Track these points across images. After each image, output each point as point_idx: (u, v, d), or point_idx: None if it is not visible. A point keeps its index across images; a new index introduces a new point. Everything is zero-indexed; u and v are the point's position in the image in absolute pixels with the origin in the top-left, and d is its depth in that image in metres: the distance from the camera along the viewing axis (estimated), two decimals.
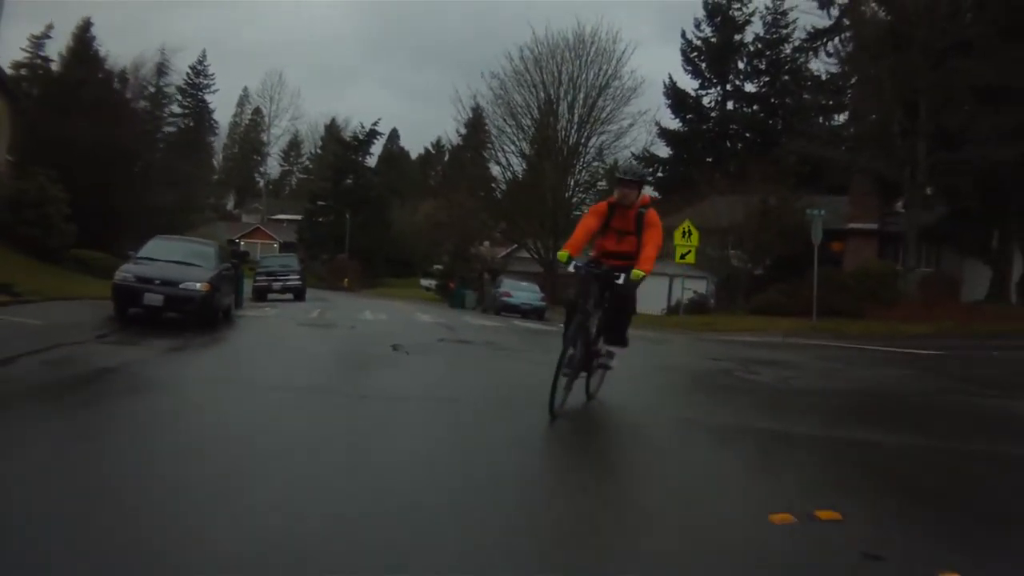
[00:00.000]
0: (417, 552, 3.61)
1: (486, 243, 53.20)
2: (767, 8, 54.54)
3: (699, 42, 54.08)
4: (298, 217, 66.07)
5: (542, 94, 44.67)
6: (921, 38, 29.08)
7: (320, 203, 59.86)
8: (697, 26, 54.39)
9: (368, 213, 59.30)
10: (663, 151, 53.23)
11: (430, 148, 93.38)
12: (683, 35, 54.84)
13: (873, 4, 32.70)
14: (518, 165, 48.84)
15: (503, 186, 50.53)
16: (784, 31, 54.18)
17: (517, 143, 47.78)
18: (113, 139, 24.68)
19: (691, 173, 44.36)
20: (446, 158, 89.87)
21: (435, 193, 70.27)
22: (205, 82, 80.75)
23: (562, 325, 7.36)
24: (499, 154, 49.51)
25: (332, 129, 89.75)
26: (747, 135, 53.58)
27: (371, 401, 7.74)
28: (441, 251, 62.59)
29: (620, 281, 6.81)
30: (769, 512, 4.31)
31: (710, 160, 49.99)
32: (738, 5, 54.54)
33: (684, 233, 26.55)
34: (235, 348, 12.93)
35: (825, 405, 9.49)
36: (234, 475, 4.66)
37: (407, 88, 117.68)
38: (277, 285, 28.84)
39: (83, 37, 36.18)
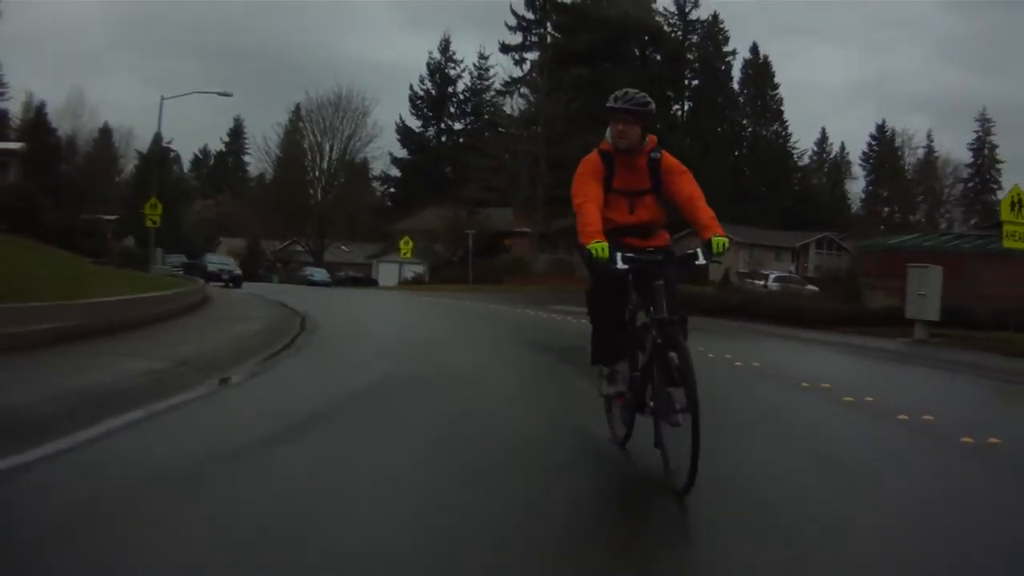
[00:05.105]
0: None
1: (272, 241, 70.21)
2: (475, 65, 75.72)
3: (422, 92, 74.31)
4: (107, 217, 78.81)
5: (311, 137, 63.39)
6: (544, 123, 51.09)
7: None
8: (421, 81, 74.72)
9: (163, 214, 73.53)
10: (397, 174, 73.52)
11: (199, 154, 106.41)
12: (411, 88, 74.98)
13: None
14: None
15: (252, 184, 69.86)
16: (486, 82, 75.58)
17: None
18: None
19: (416, 191, 64.84)
20: (211, 162, 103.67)
21: (203, 195, 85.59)
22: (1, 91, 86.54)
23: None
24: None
25: (105, 132, 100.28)
26: (457, 160, 74.52)
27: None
28: (214, 243, 78.56)
29: (701, 261, 4.51)
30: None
31: (430, 180, 70.36)
32: (452, 64, 75.39)
33: (405, 243, 48.59)
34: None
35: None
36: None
37: (151, 77, 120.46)
38: (225, 276, 38.62)
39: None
